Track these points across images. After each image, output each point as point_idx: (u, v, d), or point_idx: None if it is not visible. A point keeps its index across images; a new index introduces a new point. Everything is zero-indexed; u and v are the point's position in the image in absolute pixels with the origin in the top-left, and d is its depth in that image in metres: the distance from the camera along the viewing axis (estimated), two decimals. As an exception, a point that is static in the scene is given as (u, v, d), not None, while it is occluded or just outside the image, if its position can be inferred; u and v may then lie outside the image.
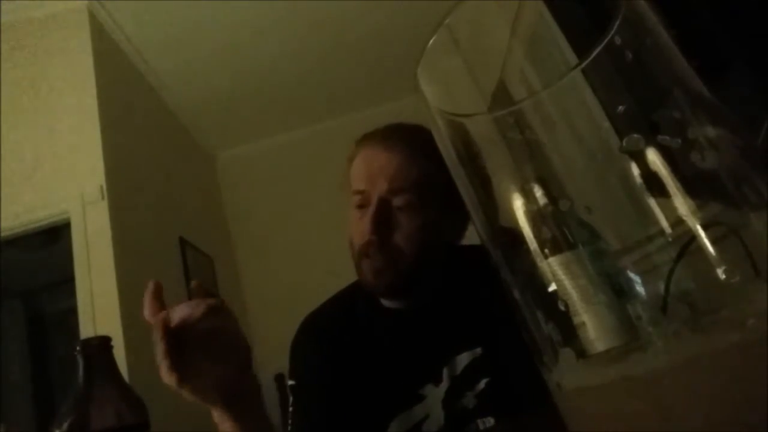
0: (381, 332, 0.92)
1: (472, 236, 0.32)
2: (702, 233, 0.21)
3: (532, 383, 0.63)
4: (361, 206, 0.88)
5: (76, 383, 0.55)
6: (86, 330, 2.19)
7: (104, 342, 0.58)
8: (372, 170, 0.87)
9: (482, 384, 0.84)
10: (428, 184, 0.86)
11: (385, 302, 0.94)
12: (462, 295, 0.90)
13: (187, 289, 2.96)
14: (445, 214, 0.89)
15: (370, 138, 0.92)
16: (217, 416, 0.69)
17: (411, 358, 0.88)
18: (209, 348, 0.66)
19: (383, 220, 0.85)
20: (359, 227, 0.87)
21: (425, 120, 0.29)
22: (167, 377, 0.62)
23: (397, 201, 0.85)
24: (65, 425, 0.52)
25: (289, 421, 0.91)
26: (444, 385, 0.85)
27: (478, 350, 0.86)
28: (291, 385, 0.95)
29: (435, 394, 0.85)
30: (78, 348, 0.56)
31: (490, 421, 0.81)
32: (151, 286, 0.66)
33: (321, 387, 0.90)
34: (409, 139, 0.89)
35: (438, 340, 0.88)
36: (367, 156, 0.90)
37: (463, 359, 0.86)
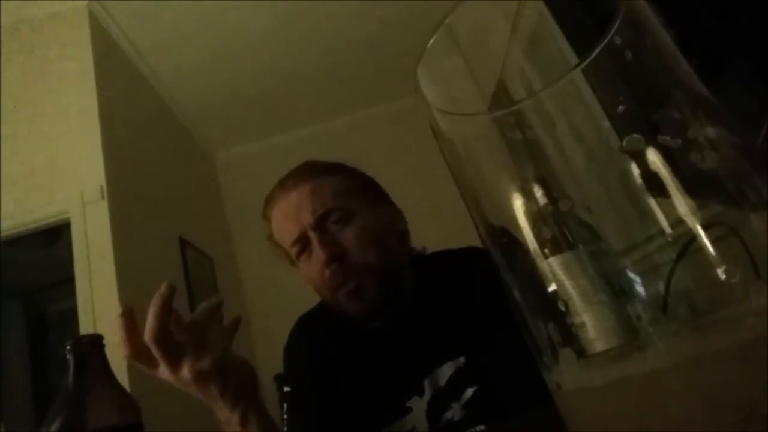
0: (362, 347, 0.91)
1: (472, 236, 0.32)
2: (702, 233, 0.21)
3: (521, 387, 0.63)
4: (302, 251, 0.87)
5: (67, 383, 0.53)
6: (86, 330, 2.19)
7: (96, 340, 0.56)
8: (290, 214, 0.87)
9: (468, 393, 0.83)
10: (346, 193, 0.87)
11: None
12: (440, 304, 0.89)
13: (188, 293, 2.96)
14: (379, 210, 0.90)
15: (273, 195, 0.92)
16: (227, 419, 0.70)
17: (393, 371, 0.87)
18: (231, 353, 0.70)
19: (331, 244, 0.84)
20: (313, 269, 0.85)
21: (425, 120, 0.29)
22: (199, 366, 0.65)
23: (329, 222, 0.85)
24: (55, 426, 0.51)
25: (285, 429, 0.91)
26: (427, 397, 0.85)
27: (461, 360, 0.85)
28: (286, 392, 0.95)
29: (420, 406, 0.85)
30: (69, 347, 0.54)
31: (482, 429, 0.80)
32: (165, 290, 0.66)
33: (312, 397, 0.90)
34: (304, 172, 0.90)
35: (417, 353, 0.87)
36: (278, 209, 0.89)
37: (447, 370, 0.85)
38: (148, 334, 0.64)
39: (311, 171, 0.91)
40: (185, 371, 0.66)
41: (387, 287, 0.86)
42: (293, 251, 0.88)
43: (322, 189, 0.87)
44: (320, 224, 0.85)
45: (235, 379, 0.69)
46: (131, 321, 0.65)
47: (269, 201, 0.92)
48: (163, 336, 0.64)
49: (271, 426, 0.72)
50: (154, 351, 0.64)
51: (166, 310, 0.65)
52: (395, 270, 0.88)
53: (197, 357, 0.66)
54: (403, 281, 0.90)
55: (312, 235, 0.84)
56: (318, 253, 0.84)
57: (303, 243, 0.86)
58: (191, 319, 0.68)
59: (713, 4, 1.19)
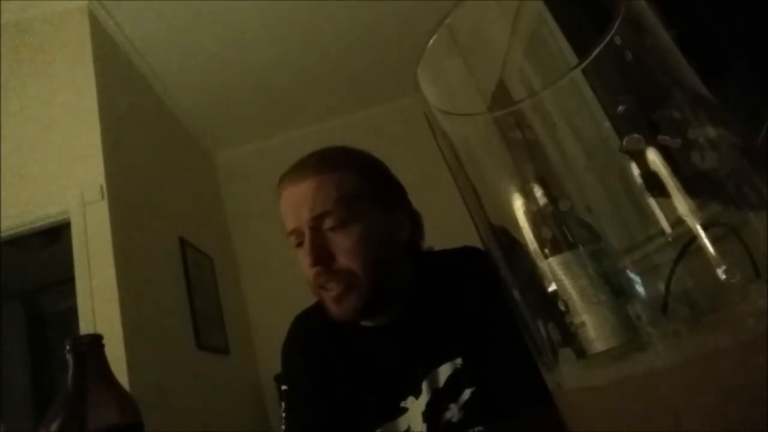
0: (359, 348, 0.91)
1: (472, 236, 0.32)
2: (702, 233, 0.21)
3: (519, 387, 0.63)
4: (299, 244, 0.87)
5: (67, 383, 0.53)
6: (86, 330, 2.19)
7: (96, 340, 0.56)
8: (293, 206, 0.87)
9: (466, 394, 0.83)
10: (352, 196, 0.86)
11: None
12: (437, 304, 0.88)
13: (188, 293, 2.94)
14: (385, 217, 0.88)
15: (284, 178, 0.92)
16: None
17: (389, 372, 0.87)
18: None
19: (320, 247, 0.84)
20: (304, 263, 0.86)
21: (425, 120, 0.29)
22: None
23: (326, 224, 0.84)
24: (55, 426, 0.51)
25: (282, 427, 0.91)
26: (424, 397, 0.85)
27: (459, 361, 0.84)
28: (284, 390, 0.95)
29: (415, 407, 0.85)
30: (69, 346, 0.54)
31: (480, 430, 0.80)
32: None
33: (309, 396, 0.90)
34: (318, 163, 0.89)
35: (414, 353, 0.87)
36: (285, 195, 0.89)
37: (445, 371, 0.85)
38: None
39: (324, 163, 0.89)
40: None
41: (370, 297, 0.85)
42: (290, 240, 0.89)
43: (327, 187, 0.86)
44: (316, 224, 0.84)
45: None
46: None
47: (282, 180, 0.92)
48: None
49: None
50: None
51: None
52: (384, 280, 0.86)
53: None
54: (394, 288, 0.89)
55: (306, 233, 0.85)
56: (306, 254, 0.84)
57: (299, 236, 0.87)
58: None
59: (713, 4, 1.19)
